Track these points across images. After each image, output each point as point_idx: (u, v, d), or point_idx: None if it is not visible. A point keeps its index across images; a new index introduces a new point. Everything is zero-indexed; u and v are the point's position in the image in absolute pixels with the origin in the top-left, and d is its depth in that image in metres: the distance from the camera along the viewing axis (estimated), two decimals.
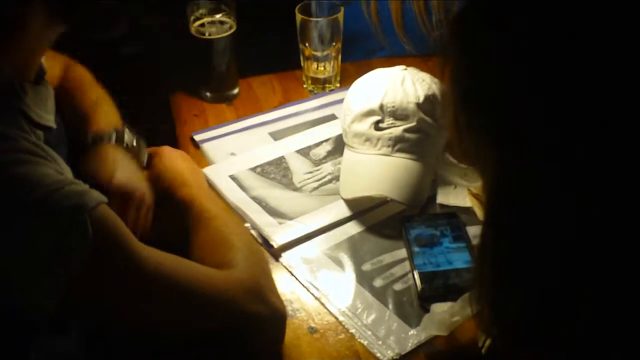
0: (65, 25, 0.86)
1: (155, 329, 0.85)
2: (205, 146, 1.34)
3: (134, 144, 1.11)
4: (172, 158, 1.15)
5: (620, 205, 0.60)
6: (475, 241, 1.11)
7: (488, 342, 0.89)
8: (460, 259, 1.08)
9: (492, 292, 0.67)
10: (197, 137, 1.35)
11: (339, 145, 1.31)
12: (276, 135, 1.37)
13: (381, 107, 1.20)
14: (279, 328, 0.95)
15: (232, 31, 1.40)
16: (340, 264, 1.11)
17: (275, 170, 1.29)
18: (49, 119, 0.90)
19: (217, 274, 0.89)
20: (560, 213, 0.62)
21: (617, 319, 0.62)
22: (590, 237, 0.61)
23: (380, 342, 0.98)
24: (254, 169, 1.29)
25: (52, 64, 1.14)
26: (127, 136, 1.10)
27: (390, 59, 1.45)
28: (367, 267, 1.10)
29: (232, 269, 0.91)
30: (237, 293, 0.88)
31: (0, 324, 0.79)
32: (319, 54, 1.43)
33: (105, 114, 1.12)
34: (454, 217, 1.15)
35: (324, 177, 1.27)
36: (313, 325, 1.01)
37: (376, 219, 1.18)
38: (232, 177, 1.27)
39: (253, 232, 1.16)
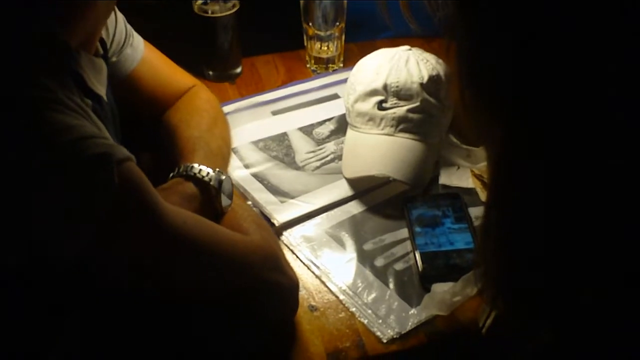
0: None
1: (176, 288, 0.84)
2: None
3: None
4: None
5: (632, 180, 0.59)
6: (477, 222, 1.11)
7: (489, 322, 0.89)
8: (461, 240, 1.07)
9: (496, 265, 0.67)
10: None
11: (342, 125, 1.31)
12: (279, 114, 1.36)
13: (385, 86, 1.19)
14: (296, 298, 0.96)
15: (235, 9, 1.39)
16: (341, 242, 1.10)
17: (278, 148, 1.28)
18: (101, 89, 0.89)
19: (239, 237, 0.90)
20: (564, 189, 0.61)
21: (620, 293, 0.62)
22: (597, 211, 0.60)
23: (380, 321, 0.98)
24: (256, 143, 1.28)
25: (182, 81, 1.17)
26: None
27: (395, 40, 1.43)
28: (368, 246, 1.10)
29: (251, 235, 0.92)
30: (258, 259, 0.89)
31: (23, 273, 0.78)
32: (322, 33, 1.42)
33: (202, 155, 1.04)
34: (457, 198, 1.15)
35: (327, 156, 1.26)
36: (313, 303, 1.01)
37: (378, 198, 1.18)
38: (233, 151, 1.25)
39: (254, 209, 1.15)
